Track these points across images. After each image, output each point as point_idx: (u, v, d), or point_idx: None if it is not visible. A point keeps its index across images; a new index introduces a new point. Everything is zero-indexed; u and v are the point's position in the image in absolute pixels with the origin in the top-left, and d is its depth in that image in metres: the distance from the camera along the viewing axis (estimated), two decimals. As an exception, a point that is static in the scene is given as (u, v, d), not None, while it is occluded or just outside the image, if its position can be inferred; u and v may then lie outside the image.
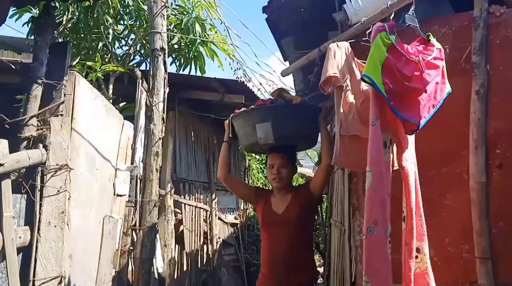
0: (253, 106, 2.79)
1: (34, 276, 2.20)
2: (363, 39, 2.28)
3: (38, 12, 2.58)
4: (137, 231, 3.81)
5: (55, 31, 2.58)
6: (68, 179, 2.33)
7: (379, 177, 1.96)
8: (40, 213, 2.23)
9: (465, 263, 2.47)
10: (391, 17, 2.25)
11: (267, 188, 3.13)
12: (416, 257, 2.20)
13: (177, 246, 5.29)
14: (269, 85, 7.07)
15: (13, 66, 5.00)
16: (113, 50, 4.79)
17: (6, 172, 2.03)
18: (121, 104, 4.48)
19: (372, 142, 1.95)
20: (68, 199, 2.35)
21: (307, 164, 12.94)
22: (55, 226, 2.25)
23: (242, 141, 2.84)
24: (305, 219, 2.71)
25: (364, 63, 2.10)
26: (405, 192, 2.16)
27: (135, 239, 3.91)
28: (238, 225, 7.80)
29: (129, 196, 4.02)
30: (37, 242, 2.22)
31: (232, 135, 2.86)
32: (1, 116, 2.30)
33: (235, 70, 5.74)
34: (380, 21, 2.31)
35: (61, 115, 2.48)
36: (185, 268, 5.49)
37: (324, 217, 8.19)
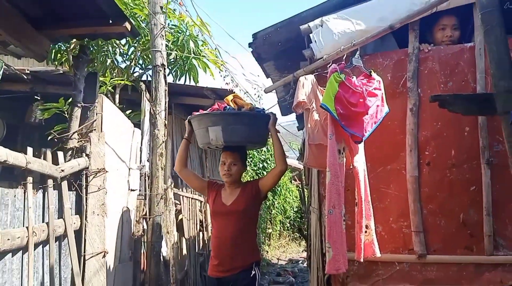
0: (207, 111, 3.04)
1: (84, 252, 2.93)
2: (325, 71, 2.88)
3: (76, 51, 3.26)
4: (148, 219, 4.50)
5: (88, 65, 3.26)
6: (105, 179, 3.06)
7: (335, 174, 2.64)
8: (86, 205, 2.96)
9: (404, 235, 3.04)
10: (343, 57, 2.99)
11: (220, 182, 3.31)
12: (365, 232, 2.83)
13: (177, 233, 5.93)
14: (254, 88, 7.76)
15: (24, 76, 5.66)
16: (119, 65, 5.44)
17: (64, 176, 2.76)
18: (128, 112, 5.15)
19: (330, 150, 2.65)
20: (105, 194, 3.08)
21: (291, 155, 13.58)
22: (98, 215, 2.97)
23: (198, 140, 3.05)
24: (250, 212, 2.99)
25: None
26: (356, 184, 2.83)
27: (146, 226, 4.62)
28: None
29: (140, 190, 4.67)
30: (85, 226, 2.95)
31: (191, 133, 3.10)
32: (53, 133, 3.02)
33: (224, 77, 6.42)
34: (336, 60, 2.93)
35: (95, 130, 3.19)
36: (184, 252, 5.97)
37: (306, 205, 8.97)
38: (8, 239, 2.19)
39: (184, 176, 3.17)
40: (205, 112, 3.03)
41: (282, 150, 3.04)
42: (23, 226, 2.38)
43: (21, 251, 2.40)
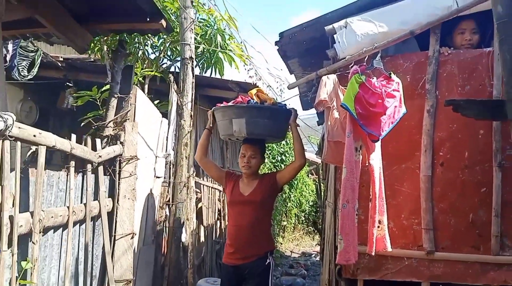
0: (231, 103, 3.16)
1: (115, 232, 3.17)
2: (346, 71, 3.00)
3: (114, 45, 3.48)
4: (171, 206, 4.72)
5: (125, 59, 3.47)
6: (136, 166, 3.29)
7: (351, 171, 2.78)
8: (119, 189, 3.19)
9: (415, 232, 3.14)
10: (365, 58, 3.13)
11: (238, 172, 3.39)
12: (378, 226, 2.95)
13: (196, 220, 6.15)
14: (277, 82, 7.88)
15: (59, 63, 5.93)
16: (149, 56, 5.66)
17: (101, 161, 2.99)
18: (156, 102, 5.37)
19: (347, 148, 2.79)
20: (136, 180, 3.30)
21: (309, 149, 13.66)
22: (128, 199, 3.20)
23: (220, 131, 3.15)
24: (267, 202, 3.12)
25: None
26: (372, 181, 2.94)
27: (168, 212, 4.84)
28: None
29: (164, 178, 4.89)
30: (117, 209, 3.18)
31: (214, 124, 3.21)
32: (91, 122, 3.25)
33: (248, 70, 6.59)
34: (358, 61, 3.06)
35: (129, 119, 3.41)
36: (202, 239, 6.20)
37: (322, 199, 9.10)
38: (52, 217, 2.42)
39: (204, 165, 3.26)
40: (229, 104, 3.14)
41: (301, 145, 3.13)
42: (65, 205, 2.62)
43: (61, 229, 2.64)
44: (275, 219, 10.34)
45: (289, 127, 3.19)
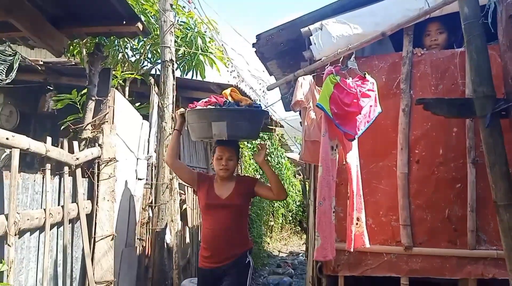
0: (204, 103, 3.09)
1: (95, 234, 3.17)
2: (323, 72, 3.04)
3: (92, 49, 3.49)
4: (153, 207, 4.73)
5: (102, 62, 3.48)
6: (115, 168, 3.30)
7: (327, 169, 2.84)
8: (97, 191, 3.19)
9: (393, 228, 3.21)
10: (341, 59, 3.18)
11: (210, 174, 3.40)
12: (356, 224, 3.01)
13: (181, 222, 6.15)
14: (259, 83, 7.93)
15: (38, 67, 5.91)
16: (129, 59, 5.66)
17: (79, 164, 3.00)
18: (137, 104, 5.38)
19: (322, 146, 2.84)
20: (115, 182, 3.31)
21: (296, 150, 13.68)
22: (108, 200, 3.21)
23: (195, 133, 3.08)
24: (244, 205, 3.13)
25: (322, 90, 3.04)
26: (349, 179, 3.01)
27: (151, 214, 4.85)
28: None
29: (146, 179, 4.90)
30: (96, 211, 3.19)
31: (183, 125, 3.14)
32: (68, 123, 3.25)
33: (231, 72, 6.62)
34: (333, 62, 3.09)
35: (107, 122, 3.42)
36: (187, 240, 6.13)
37: (307, 199, 9.14)
38: (28, 219, 2.42)
39: (176, 168, 3.22)
40: (209, 107, 3.08)
41: (278, 179, 3.17)
42: (41, 208, 2.62)
43: (38, 231, 2.64)
44: (262, 219, 10.37)
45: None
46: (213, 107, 3.05)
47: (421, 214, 3.22)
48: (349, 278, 3.34)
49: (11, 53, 4.92)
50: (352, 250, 3.00)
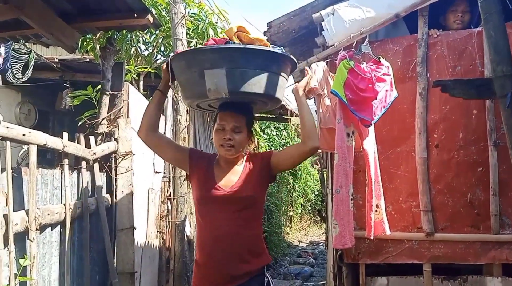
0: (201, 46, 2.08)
1: (115, 227, 3.21)
2: (336, 58, 3.01)
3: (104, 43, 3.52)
4: (172, 200, 4.77)
5: (115, 56, 3.50)
6: (132, 161, 3.32)
7: (343, 156, 2.82)
8: (116, 185, 3.23)
9: (413, 214, 3.18)
10: (354, 44, 3.13)
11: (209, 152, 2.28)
12: (376, 211, 2.97)
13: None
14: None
15: (54, 65, 5.98)
16: (142, 53, 5.68)
17: (96, 158, 3.03)
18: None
19: (338, 133, 2.81)
20: (133, 175, 3.34)
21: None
22: (126, 194, 3.24)
23: (184, 92, 2.07)
24: (258, 198, 2.10)
25: (336, 76, 2.99)
26: (367, 166, 2.95)
27: (170, 207, 4.89)
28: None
29: (164, 172, 4.94)
30: (115, 204, 3.23)
31: (172, 83, 2.12)
32: (84, 119, 3.28)
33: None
34: (347, 47, 3.06)
35: (122, 116, 3.44)
36: None
37: (325, 188, 9.12)
38: (48, 214, 2.46)
39: (154, 144, 2.11)
40: (200, 47, 2.23)
41: (312, 121, 2.10)
42: (61, 203, 2.66)
43: (59, 226, 2.68)
44: (281, 210, 10.37)
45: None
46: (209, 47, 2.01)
47: (442, 199, 3.17)
48: (370, 265, 3.31)
49: (26, 51, 4.99)
50: (372, 237, 2.96)
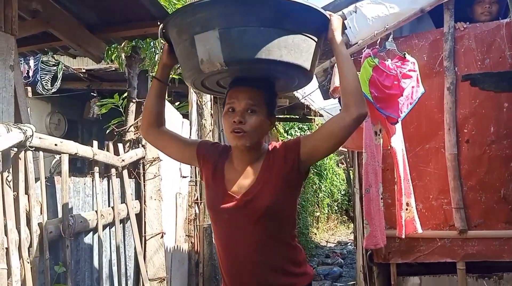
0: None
1: (145, 233, 3.26)
2: (360, 56, 3.05)
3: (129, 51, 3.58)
4: (199, 204, 4.82)
5: (140, 64, 3.56)
6: (159, 167, 3.37)
7: (371, 155, 2.82)
8: (144, 191, 3.28)
9: (445, 212, 3.14)
10: (378, 41, 3.09)
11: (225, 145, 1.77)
12: (406, 209, 2.93)
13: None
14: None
15: (81, 75, 6.12)
16: (166, 59, 5.73)
17: (125, 165, 3.08)
18: (176, 104, 5.46)
19: (365, 132, 2.80)
20: (161, 181, 3.39)
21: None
22: (155, 199, 3.29)
23: (182, 70, 1.64)
24: (281, 206, 1.56)
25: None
26: (395, 164, 2.91)
27: (197, 211, 4.93)
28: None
29: (191, 177, 4.99)
30: (144, 210, 3.28)
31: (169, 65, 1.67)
32: (112, 127, 3.35)
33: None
34: (370, 44, 3.04)
35: (149, 122, 3.48)
36: None
37: (352, 187, 9.05)
38: (81, 221, 2.52)
39: (156, 141, 1.79)
40: (188, 3, 1.66)
41: (357, 79, 1.58)
42: (93, 210, 2.72)
43: (91, 232, 2.74)
44: (307, 210, 10.32)
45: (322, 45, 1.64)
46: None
47: (474, 196, 3.12)
48: (401, 265, 3.27)
49: (54, 63, 5.13)
50: (403, 236, 2.92)
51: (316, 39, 1.53)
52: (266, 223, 1.53)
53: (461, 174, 3.12)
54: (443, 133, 3.16)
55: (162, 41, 1.62)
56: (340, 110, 1.60)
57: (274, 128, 1.64)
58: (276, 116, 1.68)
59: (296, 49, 1.46)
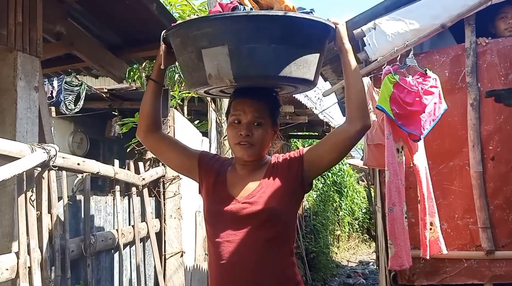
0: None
1: (164, 251, 3.26)
2: (380, 72, 3.06)
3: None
4: (219, 222, 4.78)
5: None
6: (179, 185, 3.38)
7: (394, 173, 2.76)
8: (164, 209, 3.29)
9: (471, 232, 3.04)
10: (398, 57, 3.07)
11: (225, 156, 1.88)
12: (430, 229, 2.85)
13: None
14: (314, 91, 7.81)
15: (103, 95, 6.23)
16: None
17: (145, 183, 3.10)
18: (196, 122, 5.51)
19: (387, 149, 2.76)
20: (180, 199, 3.39)
21: (356, 155, 13.28)
22: (175, 218, 3.29)
23: (185, 78, 1.64)
24: (284, 213, 1.54)
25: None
26: (418, 182, 2.85)
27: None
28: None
29: (210, 195, 5.00)
30: (164, 229, 3.28)
31: (166, 66, 1.63)
32: (133, 146, 3.38)
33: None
34: (390, 61, 3.02)
35: (169, 141, 3.51)
36: None
37: (373, 205, 8.89)
38: (102, 240, 2.53)
39: (154, 147, 1.72)
40: (194, 17, 1.77)
41: (363, 89, 1.59)
42: (114, 228, 2.73)
43: (112, 251, 2.75)
44: (328, 229, 10.18)
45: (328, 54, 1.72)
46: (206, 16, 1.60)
47: (501, 215, 3.02)
48: (425, 287, 3.18)
49: (77, 83, 5.25)
50: (427, 257, 2.84)
51: (322, 50, 1.56)
52: (268, 229, 1.50)
53: (487, 193, 3.03)
54: (467, 150, 3.08)
55: (161, 53, 1.58)
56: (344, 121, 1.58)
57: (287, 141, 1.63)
58: (279, 125, 1.67)
59: (304, 64, 1.47)
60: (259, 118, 1.54)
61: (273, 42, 1.42)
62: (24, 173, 1.84)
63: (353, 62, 1.55)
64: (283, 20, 1.43)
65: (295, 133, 10.17)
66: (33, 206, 1.89)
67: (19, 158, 1.78)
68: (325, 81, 4.51)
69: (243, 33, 1.40)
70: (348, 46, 1.55)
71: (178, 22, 1.61)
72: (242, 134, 1.52)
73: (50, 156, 1.89)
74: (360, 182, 14.06)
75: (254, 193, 1.53)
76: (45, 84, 4.89)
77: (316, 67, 1.54)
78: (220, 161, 1.68)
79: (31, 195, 1.89)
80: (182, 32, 1.47)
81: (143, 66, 4.82)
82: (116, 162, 2.77)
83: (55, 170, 2.01)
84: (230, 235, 1.49)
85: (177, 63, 1.66)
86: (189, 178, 1.78)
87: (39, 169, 1.96)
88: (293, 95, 6.17)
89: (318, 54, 1.52)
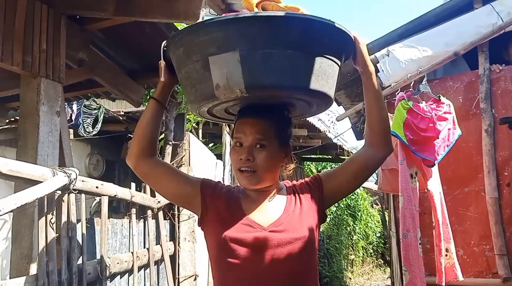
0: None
1: (178, 275, 3.27)
2: (393, 98, 3.11)
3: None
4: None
5: (177, 108, 3.70)
6: (194, 208, 3.40)
7: (408, 198, 2.77)
8: (179, 232, 3.32)
9: (487, 259, 3.05)
10: (411, 84, 3.10)
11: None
12: (446, 255, 2.83)
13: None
14: (328, 114, 7.84)
15: (120, 117, 6.33)
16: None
17: (160, 206, 3.14)
18: (210, 145, 5.56)
19: (401, 175, 2.78)
20: (195, 222, 3.41)
21: (371, 179, 13.18)
22: (189, 241, 3.31)
23: (186, 93, 1.38)
24: (315, 244, 1.40)
25: (394, 117, 2.96)
26: (432, 208, 2.86)
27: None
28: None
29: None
30: (178, 252, 3.30)
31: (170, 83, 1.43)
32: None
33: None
34: (404, 87, 3.09)
35: (184, 164, 3.57)
36: None
37: (388, 230, 8.77)
38: (118, 263, 2.55)
39: (147, 174, 1.44)
40: (201, 21, 1.57)
41: (386, 111, 1.44)
42: (129, 251, 2.75)
43: (127, 274, 2.77)
44: (342, 253, 10.04)
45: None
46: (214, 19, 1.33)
47: (518, 242, 3.00)
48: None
49: (95, 107, 5.38)
50: (443, 284, 2.80)
51: (340, 63, 1.37)
52: (297, 260, 1.32)
53: (503, 219, 3.04)
54: (483, 176, 3.11)
55: (162, 68, 1.40)
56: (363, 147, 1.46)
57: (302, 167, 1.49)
58: (292, 147, 1.47)
59: (323, 75, 1.29)
60: (262, 140, 1.34)
61: (289, 48, 1.25)
62: (45, 196, 1.89)
63: (378, 86, 1.41)
64: (304, 23, 1.26)
65: (308, 156, 10.17)
66: (52, 229, 1.94)
67: (41, 182, 1.83)
68: (339, 106, 4.55)
69: (257, 36, 1.23)
70: (372, 67, 1.39)
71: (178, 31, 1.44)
72: (242, 158, 1.33)
73: (70, 179, 1.94)
74: (374, 205, 13.91)
75: (281, 221, 1.35)
76: (65, 107, 5.02)
77: (336, 83, 1.37)
78: (226, 187, 1.46)
79: (51, 218, 1.94)
80: (187, 39, 1.29)
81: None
82: (133, 185, 2.82)
83: (75, 193, 2.06)
84: (251, 268, 1.31)
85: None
86: (187, 209, 1.58)
87: (60, 192, 2.01)
88: (307, 119, 6.23)
89: (337, 67, 1.34)
